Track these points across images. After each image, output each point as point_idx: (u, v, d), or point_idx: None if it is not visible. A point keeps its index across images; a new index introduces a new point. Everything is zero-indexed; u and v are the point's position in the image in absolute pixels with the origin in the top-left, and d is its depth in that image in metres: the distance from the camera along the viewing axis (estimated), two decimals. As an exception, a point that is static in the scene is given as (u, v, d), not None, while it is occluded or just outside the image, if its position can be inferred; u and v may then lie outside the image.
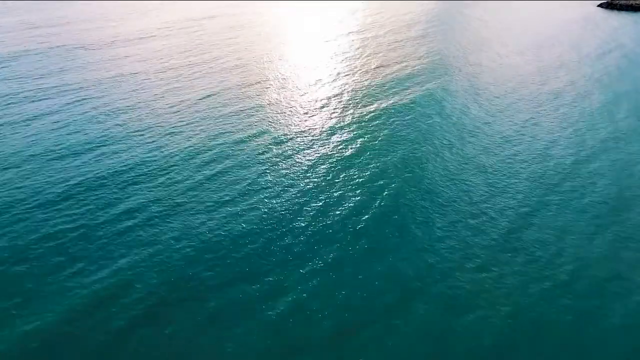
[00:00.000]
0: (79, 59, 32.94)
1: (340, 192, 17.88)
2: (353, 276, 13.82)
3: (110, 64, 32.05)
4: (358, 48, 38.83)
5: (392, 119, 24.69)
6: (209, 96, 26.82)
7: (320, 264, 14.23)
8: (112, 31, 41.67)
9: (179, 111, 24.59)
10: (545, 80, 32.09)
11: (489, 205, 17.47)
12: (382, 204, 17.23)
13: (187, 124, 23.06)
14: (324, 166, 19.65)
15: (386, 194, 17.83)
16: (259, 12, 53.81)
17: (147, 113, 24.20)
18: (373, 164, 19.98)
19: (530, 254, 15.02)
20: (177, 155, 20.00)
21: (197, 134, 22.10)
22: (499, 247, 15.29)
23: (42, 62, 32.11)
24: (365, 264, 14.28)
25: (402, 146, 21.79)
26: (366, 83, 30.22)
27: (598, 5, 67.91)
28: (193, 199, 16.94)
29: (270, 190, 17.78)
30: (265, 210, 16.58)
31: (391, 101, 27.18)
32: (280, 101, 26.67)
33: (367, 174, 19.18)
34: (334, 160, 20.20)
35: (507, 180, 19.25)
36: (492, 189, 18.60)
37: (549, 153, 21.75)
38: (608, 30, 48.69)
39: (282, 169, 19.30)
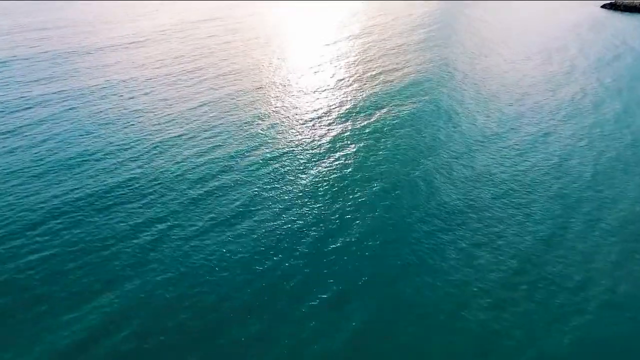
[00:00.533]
0: (68, 65, 31.54)
1: (340, 213, 16.48)
2: (355, 313, 12.42)
3: (100, 71, 30.64)
4: (359, 53, 37.45)
5: (395, 130, 23.30)
6: (201, 106, 25.41)
7: (319, 298, 12.83)
8: (105, 35, 40.25)
9: (168, 122, 23.18)
10: (555, 87, 30.73)
11: (503, 228, 16.09)
12: (385, 228, 15.82)
13: (177, 137, 21.64)
14: (323, 184, 18.26)
15: (390, 217, 16.44)
16: (259, 13, 52.40)
17: (134, 125, 22.78)
18: (375, 182, 18.59)
19: (552, 286, 13.63)
20: (164, 172, 18.56)
21: (187, 148, 20.68)
22: (516, 278, 13.89)
23: (29, 69, 30.71)
24: (368, 299, 12.88)
25: (406, 161, 20.40)
26: (368, 91, 28.85)
27: (602, 6, 66.76)
28: (179, 224, 15.51)
29: (264, 212, 16.37)
30: (258, 235, 15.17)
31: (394, 110, 25.81)
32: (277, 111, 25.28)
33: (369, 193, 17.78)
34: (334, 176, 18.81)
35: (522, 199, 17.87)
36: (506, 208, 17.22)
37: (564, 167, 20.38)
38: (615, 32, 47.38)
39: (277, 188, 17.90)
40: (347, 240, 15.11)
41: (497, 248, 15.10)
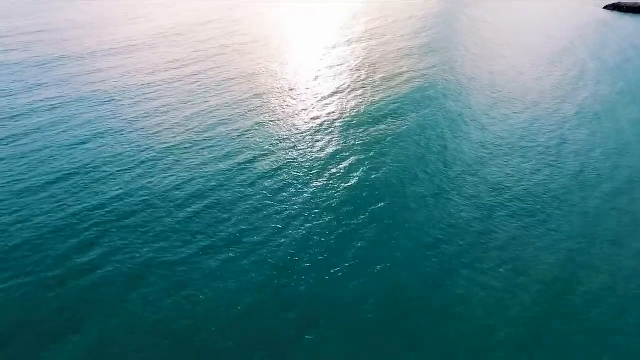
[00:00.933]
0: (58, 72, 30.37)
1: (339, 235, 15.32)
2: (360, 351, 11.29)
3: (91, 77, 29.47)
4: (359, 57, 36.31)
5: (399, 141, 22.12)
6: (195, 115, 24.26)
7: (320, 334, 11.70)
8: (101, 38, 39.04)
9: (159, 132, 21.99)
10: (564, 94, 29.59)
11: (519, 250, 14.94)
12: (389, 252, 14.65)
13: (168, 149, 20.43)
14: (321, 201, 17.10)
15: (394, 239, 15.27)
16: (259, 13, 51.20)
17: (123, 136, 21.61)
18: (378, 198, 17.42)
19: (577, 320, 12.49)
20: (153, 189, 17.31)
21: (179, 161, 19.48)
22: (536, 310, 12.75)
23: (18, 76, 29.53)
24: (373, 336, 11.75)
25: (412, 174, 19.23)
26: (370, 98, 27.71)
27: (604, 7, 65.73)
28: (167, 247, 14.31)
29: (258, 233, 15.17)
30: (253, 260, 14.01)
31: (398, 119, 24.68)
32: (274, 121, 24.14)
33: (371, 211, 16.62)
34: (333, 193, 17.65)
35: (537, 216, 16.69)
36: (520, 227, 16.06)
37: (580, 180, 19.23)
38: (622, 34, 46.32)
39: (274, 205, 16.73)
40: (348, 264, 13.98)
41: (514, 274, 13.96)
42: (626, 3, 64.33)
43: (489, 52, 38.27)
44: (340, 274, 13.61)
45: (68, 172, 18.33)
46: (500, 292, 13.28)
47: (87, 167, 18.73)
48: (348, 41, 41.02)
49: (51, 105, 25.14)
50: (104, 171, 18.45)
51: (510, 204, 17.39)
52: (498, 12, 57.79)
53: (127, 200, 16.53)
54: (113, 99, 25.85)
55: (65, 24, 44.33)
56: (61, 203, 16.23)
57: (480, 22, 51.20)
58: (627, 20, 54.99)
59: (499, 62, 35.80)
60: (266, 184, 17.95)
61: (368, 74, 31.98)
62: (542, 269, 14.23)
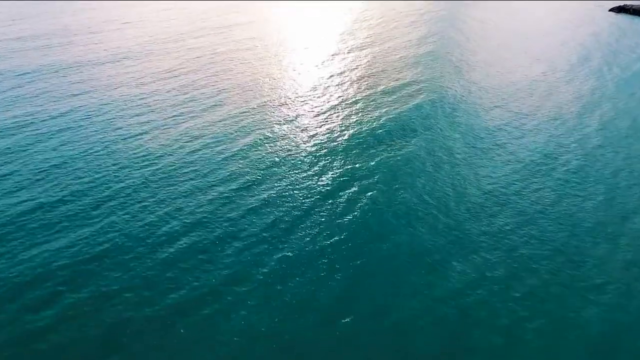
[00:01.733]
0: (38, 84, 28.23)
1: (343, 287, 13.21)
2: None
3: (73, 89, 27.34)
4: (361, 66, 34.17)
5: (406, 165, 19.97)
6: (178, 135, 22.15)
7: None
8: (87, 47, 36.87)
9: (135, 156, 19.82)
10: (583, 107, 27.45)
11: (546, 294, 12.86)
12: (401, 307, 12.54)
13: (144, 177, 18.20)
14: (318, 245, 14.94)
15: (404, 290, 13.18)
16: (258, 15, 49.10)
17: (98, 161, 19.42)
18: (385, 238, 15.29)
19: None
20: (124, 227, 15.00)
21: (157, 191, 17.28)
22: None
23: (-8, 88, 27.49)
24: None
25: (420, 208, 17.12)
26: (373, 114, 25.55)
27: (610, 9, 63.76)
28: (133, 301, 12.20)
29: (243, 284, 13.02)
30: (237, 320, 11.90)
31: (404, 139, 22.54)
32: (267, 143, 22.00)
33: (376, 255, 14.51)
34: (333, 235, 15.46)
35: (568, 252, 14.64)
36: (550, 267, 14.00)
37: (610, 211, 17.15)
38: (636, 39, 44.28)
39: (261, 245, 14.59)
40: (351, 320, 11.87)
41: (546, 330, 11.89)
42: (632, 5, 62.32)
43: (497, 59, 36.20)
44: (343, 332, 11.52)
45: (31, 205, 16.19)
46: (532, 355, 11.21)
47: (54, 197, 16.58)
48: (348, 47, 38.92)
49: (25, 121, 23.06)
50: (70, 202, 16.28)
51: (532, 240, 15.32)
52: (499, 13, 55.78)
53: (95, 240, 14.39)
54: (90, 117, 23.69)
55: (54, 28, 42.20)
56: (15, 244, 14.10)
57: (484, 24, 49.18)
58: (637, 22, 52.99)
59: (509, 69, 33.73)
60: (254, 220, 15.80)
61: (370, 85, 29.88)
62: (580, 323, 12.18)
